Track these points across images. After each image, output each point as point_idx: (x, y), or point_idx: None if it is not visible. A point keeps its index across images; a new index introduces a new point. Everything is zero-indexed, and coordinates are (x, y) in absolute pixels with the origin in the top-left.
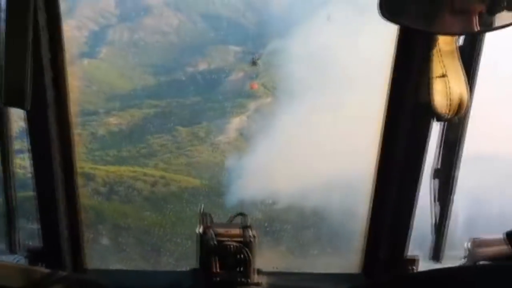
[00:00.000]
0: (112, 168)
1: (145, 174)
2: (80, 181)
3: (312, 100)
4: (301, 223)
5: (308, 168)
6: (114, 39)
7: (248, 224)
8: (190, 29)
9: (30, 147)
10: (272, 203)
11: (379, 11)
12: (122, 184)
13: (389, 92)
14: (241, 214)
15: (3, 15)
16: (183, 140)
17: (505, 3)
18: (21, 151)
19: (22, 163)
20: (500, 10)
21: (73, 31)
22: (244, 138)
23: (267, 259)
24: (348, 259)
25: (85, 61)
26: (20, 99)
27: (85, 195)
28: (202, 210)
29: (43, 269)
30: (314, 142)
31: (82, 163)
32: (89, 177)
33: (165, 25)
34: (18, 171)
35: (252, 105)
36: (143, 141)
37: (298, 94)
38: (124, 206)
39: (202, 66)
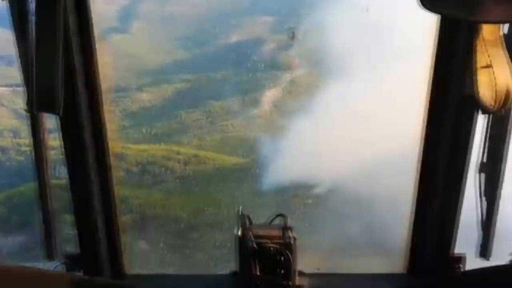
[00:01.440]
0: (143, 147)
1: (178, 153)
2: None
3: (351, 81)
4: (342, 215)
5: (350, 152)
6: (145, 13)
7: (288, 225)
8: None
9: (64, 154)
10: (312, 186)
11: (418, 0)
12: (155, 164)
13: (431, 84)
14: (281, 215)
15: (33, 19)
16: (217, 115)
17: None
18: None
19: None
20: None
21: (103, 6)
22: (280, 112)
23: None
24: (392, 258)
25: (116, 36)
26: (52, 104)
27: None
28: (240, 212)
29: (81, 276)
30: (354, 127)
31: (114, 142)
32: (121, 157)
33: None
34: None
35: (287, 76)
36: (175, 117)
37: (337, 70)
38: (157, 194)
39: (234, 38)
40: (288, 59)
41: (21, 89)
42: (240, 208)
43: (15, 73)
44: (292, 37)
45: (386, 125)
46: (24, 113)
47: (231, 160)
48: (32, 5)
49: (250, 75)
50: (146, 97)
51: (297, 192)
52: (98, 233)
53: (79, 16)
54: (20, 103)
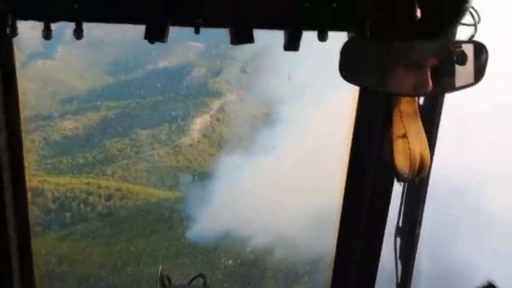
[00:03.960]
0: (63, 180)
1: (100, 187)
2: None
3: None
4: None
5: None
6: (71, 37)
7: (208, 285)
8: None
9: None
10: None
11: (340, 72)
12: (75, 199)
13: (350, 151)
14: (201, 275)
15: None
16: (142, 144)
17: (455, 58)
18: None
19: None
20: (451, 64)
21: (27, 32)
22: (208, 140)
23: None
24: None
25: (40, 62)
26: None
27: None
28: (160, 272)
29: None
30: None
31: (33, 174)
32: (38, 193)
33: None
34: None
35: (216, 103)
36: (99, 146)
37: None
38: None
39: (162, 64)
40: (217, 86)
41: None
42: (160, 267)
43: None
44: (244, 71)
45: (308, 191)
46: None
47: (157, 193)
48: None
49: (179, 101)
50: (69, 125)
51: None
52: (13, 270)
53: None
54: None
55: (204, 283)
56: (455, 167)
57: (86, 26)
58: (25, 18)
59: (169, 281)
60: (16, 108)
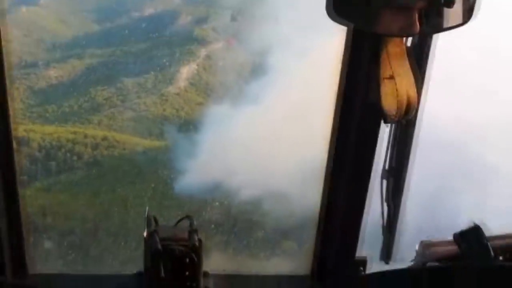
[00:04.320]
0: (49, 129)
1: (86, 136)
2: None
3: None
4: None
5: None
6: None
7: (195, 227)
8: None
9: None
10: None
11: (327, 11)
12: (60, 148)
13: (338, 91)
14: (188, 217)
15: None
16: (128, 92)
17: (443, 1)
18: None
19: None
20: (437, 6)
21: None
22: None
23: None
24: (298, 260)
25: (24, 9)
26: None
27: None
28: (147, 214)
29: None
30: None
31: (17, 124)
32: (24, 142)
33: None
34: None
35: (202, 51)
36: (85, 94)
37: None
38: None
39: (148, 11)
40: (204, 33)
41: None
42: (147, 209)
43: None
44: (234, 19)
45: (294, 134)
46: None
47: (143, 143)
48: None
49: (164, 49)
50: (54, 74)
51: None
52: (1, 232)
53: None
54: None
55: (191, 224)
56: (445, 118)
57: None
58: None
59: (156, 222)
60: None
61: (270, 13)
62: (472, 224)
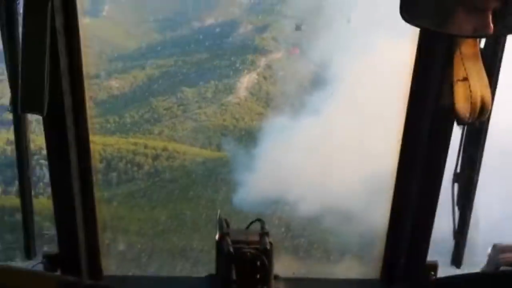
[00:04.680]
0: (110, 140)
1: (146, 147)
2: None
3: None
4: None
5: (327, 165)
6: None
7: (266, 230)
8: None
9: (47, 152)
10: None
11: (400, 12)
12: (121, 159)
13: (410, 94)
14: (259, 220)
15: (20, 19)
16: (189, 102)
17: None
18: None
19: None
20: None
21: None
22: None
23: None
24: (368, 265)
25: (87, 20)
26: (37, 105)
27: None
28: (219, 216)
29: (58, 275)
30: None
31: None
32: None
33: None
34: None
35: (262, 60)
36: (146, 105)
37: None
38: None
39: (209, 21)
40: (265, 43)
41: None
42: (219, 212)
43: None
44: (299, 28)
45: (364, 136)
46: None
47: (204, 153)
48: (19, 7)
49: (225, 59)
50: (115, 84)
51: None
52: (78, 233)
53: (66, 17)
54: None
55: (262, 227)
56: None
57: None
58: None
59: (227, 225)
60: (85, 113)
61: (334, 22)
62: None
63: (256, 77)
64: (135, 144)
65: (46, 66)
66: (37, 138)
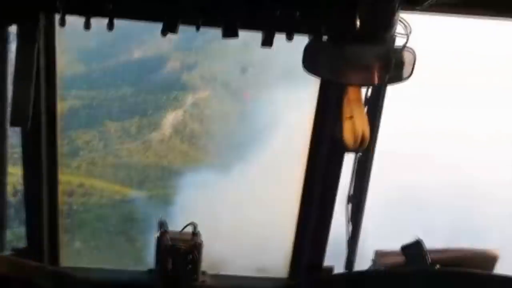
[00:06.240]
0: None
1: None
2: None
3: None
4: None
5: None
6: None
7: (197, 231)
8: None
9: (22, 161)
10: None
11: (303, 65)
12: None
13: (312, 130)
14: (192, 223)
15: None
16: (111, 137)
17: (394, 61)
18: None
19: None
20: (390, 65)
21: None
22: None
23: None
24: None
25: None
26: (23, 121)
27: None
28: (160, 219)
29: (28, 262)
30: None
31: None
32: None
33: None
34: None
35: (189, 98)
36: (64, 137)
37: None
38: None
39: (137, 54)
40: (192, 80)
41: None
42: (160, 216)
43: None
44: (244, 71)
45: (271, 167)
46: None
47: (124, 191)
48: (9, 45)
49: (151, 94)
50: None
51: None
52: (43, 232)
53: (47, 57)
54: None
55: (194, 229)
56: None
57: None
58: (72, 13)
59: (166, 227)
60: (56, 126)
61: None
62: (414, 241)
63: (182, 114)
64: None
65: (32, 92)
66: None
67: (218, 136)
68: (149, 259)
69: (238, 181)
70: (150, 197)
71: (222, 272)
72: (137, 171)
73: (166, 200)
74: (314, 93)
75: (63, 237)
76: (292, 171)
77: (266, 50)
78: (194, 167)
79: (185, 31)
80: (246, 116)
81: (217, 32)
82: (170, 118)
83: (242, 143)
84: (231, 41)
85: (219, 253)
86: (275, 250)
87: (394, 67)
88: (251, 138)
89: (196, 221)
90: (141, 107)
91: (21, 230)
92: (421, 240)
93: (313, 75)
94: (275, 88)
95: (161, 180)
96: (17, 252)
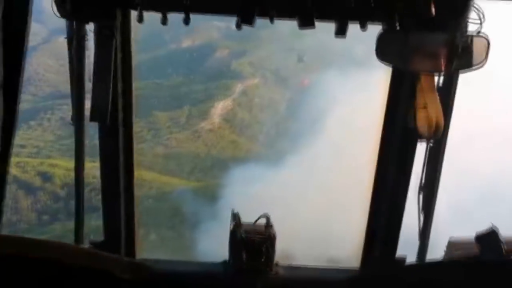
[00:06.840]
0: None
1: None
2: None
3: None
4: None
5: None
6: None
7: (270, 223)
8: None
9: (100, 155)
10: None
11: (376, 55)
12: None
13: (384, 119)
14: (265, 215)
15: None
16: (160, 127)
17: (461, 47)
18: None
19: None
20: (454, 55)
21: (49, 7)
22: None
23: None
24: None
25: (61, 38)
26: (103, 116)
27: None
28: (233, 211)
29: (107, 254)
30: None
31: (47, 155)
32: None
33: None
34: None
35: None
36: None
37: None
38: None
39: (186, 43)
40: (241, 67)
41: None
42: (234, 209)
43: None
44: (301, 60)
45: (344, 153)
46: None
47: (173, 181)
48: (87, 43)
49: (200, 83)
50: (86, 105)
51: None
52: (121, 225)
53: (123, 52)
54: None
55: (267, 221)
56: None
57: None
58: (149, 9)
59: (240, 219)
60: (131, 122)
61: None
62: (489, 229)
63: (231, 103)
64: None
65: (110, 89)
66: None
67: (270, 125)
68: (201, 250)
69: (298, 171)
70: (199, 188)
71: (294, 263)
72: (187, 161)
73: (213, 193)
74: (369, 80)
75: (138, 230)
76: (356, 159)
77: (316, 37)
78: (245, 158)
79: (232, 20)
80: (299, 104)
81: (265, 20)
82: (219, 107)
83: (296, 132)
84: (279, 29)
85: (289, 245)
86: (343, 241)
87: (462, 54)
88: (306, 127)
89: (264, 211)
90: (190, 96)
91: (71, 224)
92: (497, 229)
93: (386, 63)
94: (329, 75)
95: (211, 170)
96: (95, 245)
